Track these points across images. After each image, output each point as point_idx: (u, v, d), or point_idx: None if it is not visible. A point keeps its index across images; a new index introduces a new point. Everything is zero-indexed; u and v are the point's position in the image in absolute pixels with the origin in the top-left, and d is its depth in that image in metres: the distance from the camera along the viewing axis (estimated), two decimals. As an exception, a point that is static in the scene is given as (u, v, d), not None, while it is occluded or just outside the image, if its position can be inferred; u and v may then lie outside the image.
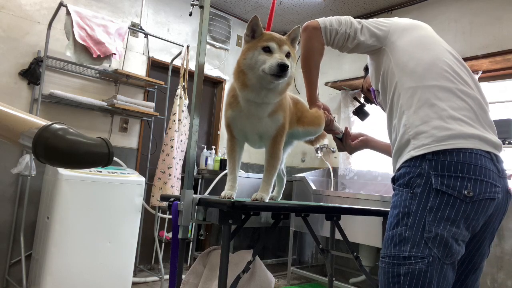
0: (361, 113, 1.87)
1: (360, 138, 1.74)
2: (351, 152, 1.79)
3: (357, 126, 4.24)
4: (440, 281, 1.03)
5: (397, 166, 1.18)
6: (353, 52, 1.42)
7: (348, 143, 1.74)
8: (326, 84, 4.44)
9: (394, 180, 1.18)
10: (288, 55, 1.30)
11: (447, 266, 1.04)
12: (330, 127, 1.65)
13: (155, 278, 3.51)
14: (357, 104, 1.89)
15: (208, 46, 4.39)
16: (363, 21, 1.38)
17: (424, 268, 1.02)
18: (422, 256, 1.02)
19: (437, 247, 1.02)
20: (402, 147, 1.16)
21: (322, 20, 1.38)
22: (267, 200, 1.37)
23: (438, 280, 1.03)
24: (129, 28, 3.55)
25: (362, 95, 1.82)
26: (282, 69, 1.21)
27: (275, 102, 1.36)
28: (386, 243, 1.10)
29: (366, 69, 1.73)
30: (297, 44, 1.37)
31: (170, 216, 2.01)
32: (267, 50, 1.27)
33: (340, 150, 1.81)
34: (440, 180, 1.04)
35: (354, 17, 1.41)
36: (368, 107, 1.87)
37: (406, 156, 1.13)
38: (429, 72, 1.19)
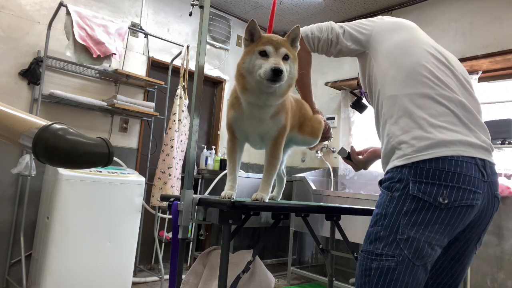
0: (358, 106, 1.88)
1: (369, 150, 1.71)
2: (365, 167, 1.74)
3: (357, 125, 4.24)
4: (410, 280, 1.08)
5: (384, 171, 1.23)
6: (338, 56, 1.45)
7: (357, 159, 1.71)
8: (326, 84, 4.44)
9: (380, 182, 1.23)
10: (286, 57, 1.29)
11: (418, 267, 1.08)
12: (325, 134, 1.66)
13: (155, 278, 3.51)
14: (355, 97, 1.89)
15: (208, 46, 4.39)
16: (346, 25, 1.39)
17: (392, 266, 1.07)
18: (392, 255, 1.08)
19: (408, 249, 1.07)
20: (388, 155, 1.20)
21: (303, 30, 1.41)
22: (267, 200, 1.37)
23: (407, 278, 1.07)
24: (129, 28, 3.55)
25: (359, 89, 1.83)
26: (276, 74, 1.20)
27: (277, 104, 1.36)
28: (365, 239, 1.17)
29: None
30: (298, 44, 1.37)
31: (170, 216, 2.01)
32: (264, 54, 1.26)
33: (356, 169, 1.77)
34: (418, 186, 1.08)
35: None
36: (366, 100, 1.87)
37: (390, 164, 1.17)
38: (408, 80, 1.19)
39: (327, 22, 1.41)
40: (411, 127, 1.13)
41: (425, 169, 1.08)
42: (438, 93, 1.15)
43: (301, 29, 1.39)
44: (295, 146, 1.70)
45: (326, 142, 1.84)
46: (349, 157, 1.72)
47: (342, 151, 1.74)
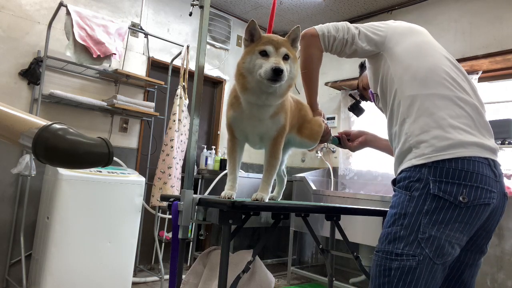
0: (356, 109, 1.90)
1: (360, 139, 1.76)
2: (355, 150, 1.80)
3: (357, 126, 4.24)
4: (429, 279, 1.08)
5: (399, 170, 1.23)
6: (351, 57, 1.44)
7: (347, 145, 1.77)
8: (326, 84, 4.44)
9: (394, 182, 1.23)
10: (286, 57, 1.28)
11: (437, 266, 1.09)
12: (324, 138, 1.66)
13: (155, 278, 3.51)
14: (353, 100, 1.91)
15: (208, 46, 4.39)
16: (360, 26, 1.39)
17: (414, 265, 1.07)
18: (413, 254, 1.08)
19: (429, 247, 1.08)
20: (404, 153, 1.20)
21: (319, 27, 1.40)
22: (267, 200, 1.37)
23: (427, 278, 1.08)
24: (129, 28, 3.55)
25: (358, 93, 1.84)
26: (276, 74, 1.20)
27: (276, 104, 1.36)
28: (381, 239, 1.17)
29: (361, 66, 1.75)
30: (298, 44, 1.37)
31: (170, 216, 2.01)
32: (264, 54, 1.26)
33: (343, 147, 1.83)
34: (438, 185, 1.09)
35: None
36: (364, 104, 1.89)
37: (407, 163, 1.17)
38: (428, 80, 1.21)
39: (342, 22, 1.41)
40: (431, 126, 1.15)
41: (445, 169, 1.09)
42: (457, 96, 1.18)
43: (316, 27, 1.39)
44: (293, 148, 1.70)
45: (325, 143, 1.85)
46: (340, 143, 1.79)
47: (333, 140, 1.77)
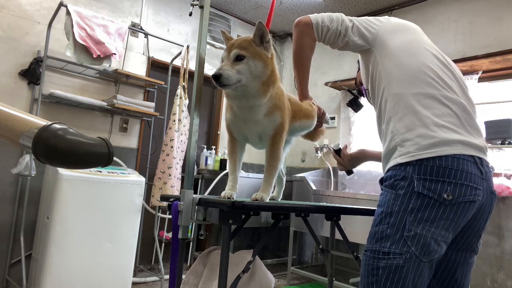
0: (355, 104, 1.90)
1: (356, 150, 1.79)
2: (351, 166, 1.80)
3: (357, 125, 4.24)
4: (416, 277, 1.08)
5: (385, 169, 1.23)
6: (343, 49, 1.43)
7: (345, 153, 1.78)
8: (326, 84, 4.44)
9: (382, 181, 1.24)
10: (240, 57, 1.29)
11: (424, 263, 1.09)
12: (321, 119, 1.68)
13: (155, 278, 3.51)
14: (351, 96, 1.91)
15: (208, 46, 4.39)
16: (355, 19, 1.38)
17: (401, 263, 1.08)
18: (400, 253, 1.08)
19: (415, 245, 1.08)
20: (390, 152, 1.21)
21: (314, 16, 1.39)
22: (267, 200, 1.37)
23: (414, 275, 1.08)
24: (129, 28, 3.55)
25: (356, 88, 1.84)
26: (215, 79, 1.25)
27: (263, 103, 1.36)
28: (369, 238, 1.18)
29: (359, 61, 1.75)
30: (269, 38, 1.33)
31: (170, 216, 2.01)
32: (222, 61, 1.32)
33: (341, 167, 1.83)
34: (422, 183, 1.09)
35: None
36: (362, 100, 1.89)
37: (393, 162, 1.18)
38: (414, 79, 1.21)
39: (337, 13, 1.40)
40: (416, 125, 1.15)
41: (429, 167, 1.09)
42: (443, 94, 1.18)
43: (311, 16, 1.39)
44: (295, 140, 1.73)
45: (326, 141, 1.87)
46: (340, 153, 1.80)
47: (335, 145, 1.79)
